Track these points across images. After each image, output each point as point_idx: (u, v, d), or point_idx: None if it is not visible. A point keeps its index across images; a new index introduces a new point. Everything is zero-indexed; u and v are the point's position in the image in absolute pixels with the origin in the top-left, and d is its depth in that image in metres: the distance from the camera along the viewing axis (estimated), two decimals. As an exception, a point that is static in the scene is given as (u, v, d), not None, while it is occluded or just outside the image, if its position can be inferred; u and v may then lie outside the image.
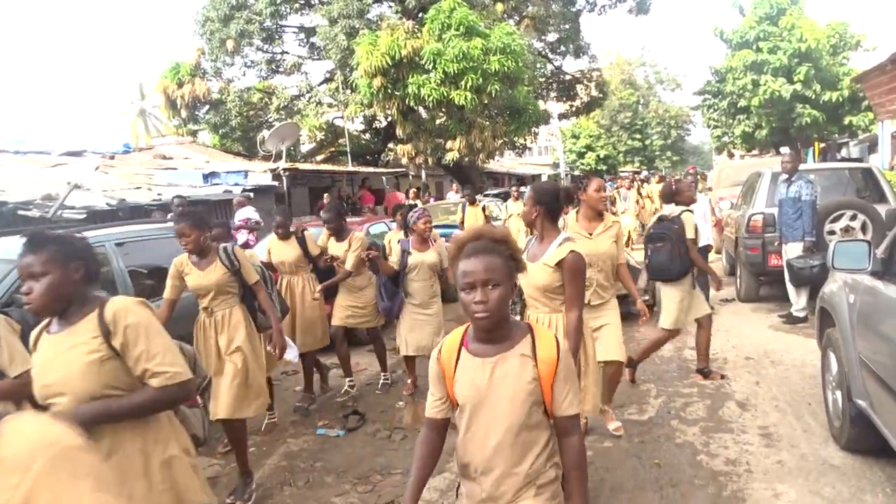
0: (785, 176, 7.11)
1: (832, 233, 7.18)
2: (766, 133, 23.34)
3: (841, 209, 7.31)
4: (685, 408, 4.86)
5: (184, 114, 19.16)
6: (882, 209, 7.32)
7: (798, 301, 7.09)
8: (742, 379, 5.42)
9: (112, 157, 13.99)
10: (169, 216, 6.79)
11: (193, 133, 20.51)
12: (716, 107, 25.49)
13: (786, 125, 22.56)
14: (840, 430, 3.89)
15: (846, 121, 21.69)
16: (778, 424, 4.40)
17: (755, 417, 4.57)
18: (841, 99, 21.17)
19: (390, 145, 19.52)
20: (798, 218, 6.81)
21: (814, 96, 21.21)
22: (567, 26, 20.32)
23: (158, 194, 10.10)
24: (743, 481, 3.67)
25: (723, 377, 5.43)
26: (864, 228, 7.16)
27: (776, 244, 7.43)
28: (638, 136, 44.58)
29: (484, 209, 11.69)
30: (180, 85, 18.69)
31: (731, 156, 28.74)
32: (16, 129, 71.04)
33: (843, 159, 19.29)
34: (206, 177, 12.62)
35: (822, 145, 21.68)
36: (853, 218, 7.22)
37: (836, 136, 22.82)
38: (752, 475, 3.73)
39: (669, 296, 5.22)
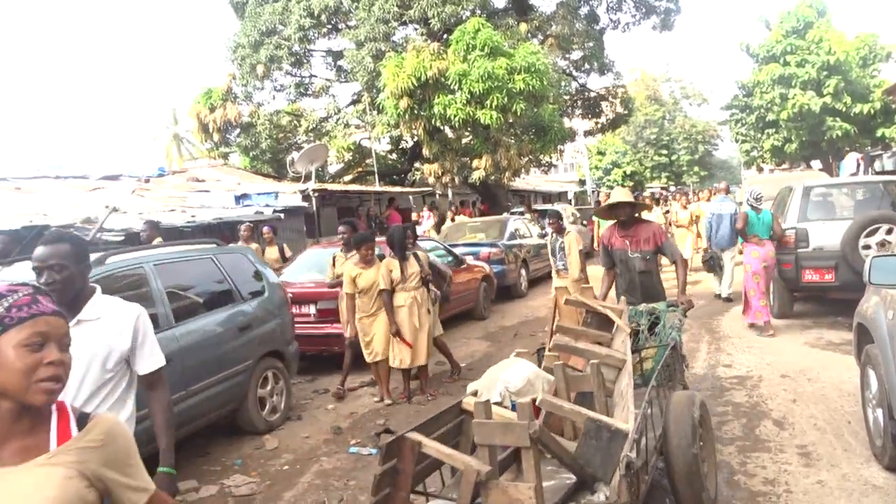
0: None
1: (867, 247, 7.04)
2: (796, 147, 23.04)
3: (876, 223, 7.16)
4: (720, 426, 4.79)
5: (216, 137, 19.60)
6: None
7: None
8: (778, 397, 5.33)
9: (147, 181, 14.34)
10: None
11: (225, 156, 20.95)
12: (744, 121, 25.27)
13: (816, 138, 22.24)
14: (882, 449, 3.81)
15: (879, 133, 21.31)
16: (817, 443, 4.32)
17: (793, 436, 4.49)
18: (873, 111, 20.82)
19: (417, 165, 19.71)
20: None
21: (844, 109, 20.90)
22: (591, 44, 20.36)
23: (192, 216, 10.33)
24: (782, 502, 3.60)
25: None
26: (901, 242, 7.01)
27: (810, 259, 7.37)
28: (664, 151, 44.26)
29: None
30: (212, 109, 19.15)
31: (760, 170, 28.37)
32: (55, 155, 73.40)
33: (878, 172, 18.91)
34: (237, 198, 12.87)
35: (859, 156, 21.29)
36: (889, 232, 7.07)
37: (869, 148, 22.42)
38: (792, 495, 3.66)
39: None
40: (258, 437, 5.34)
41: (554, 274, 7.71)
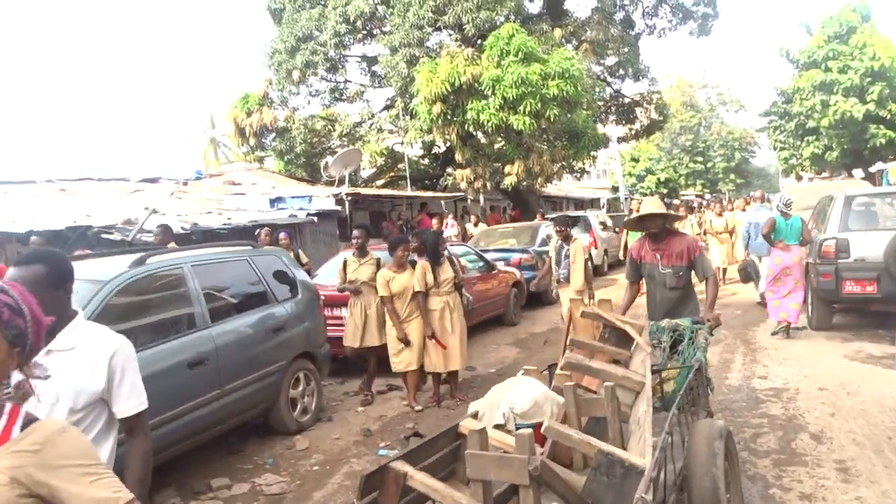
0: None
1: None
2: (837, 155, 22.47)
3: (922, 234, 6.96)
4: (755, 439, 4.70)
5: (252, 141, 19.95)
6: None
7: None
8: (816, 410, 5.20)
9: (185, 184, 14.68)
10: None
11: (260, 160, 21.31)
12: (782, 128, 24.73)
13: (858, 146, 21.66)
14: (925, 467, 3.70)
15: (926, 141, 20.66)
16: (856, 459, 4.21)
17: (831, 451, 4.38)
18: (919, 119, 20.21)
19: (449, 170, 19.78)
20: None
21: (889, 116, 20.34)
22: (626, 50, 20.22)
23: (228, 218, 10.54)
24: (819, 517, 3.52)
25: None
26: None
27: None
28: (700, 158, 43.60)
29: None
30: (249, 114, 19.50)
31: (798, 178, 27.75)
32: (95, 157, 75.50)
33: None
34: (272, 202, 13.09)
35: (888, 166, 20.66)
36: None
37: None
38: (829, 511, 3.58)
39: None
40: (289, 437, 5.41)
41: (554, 284, 7.36)
